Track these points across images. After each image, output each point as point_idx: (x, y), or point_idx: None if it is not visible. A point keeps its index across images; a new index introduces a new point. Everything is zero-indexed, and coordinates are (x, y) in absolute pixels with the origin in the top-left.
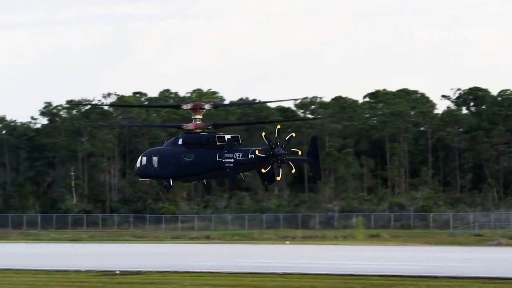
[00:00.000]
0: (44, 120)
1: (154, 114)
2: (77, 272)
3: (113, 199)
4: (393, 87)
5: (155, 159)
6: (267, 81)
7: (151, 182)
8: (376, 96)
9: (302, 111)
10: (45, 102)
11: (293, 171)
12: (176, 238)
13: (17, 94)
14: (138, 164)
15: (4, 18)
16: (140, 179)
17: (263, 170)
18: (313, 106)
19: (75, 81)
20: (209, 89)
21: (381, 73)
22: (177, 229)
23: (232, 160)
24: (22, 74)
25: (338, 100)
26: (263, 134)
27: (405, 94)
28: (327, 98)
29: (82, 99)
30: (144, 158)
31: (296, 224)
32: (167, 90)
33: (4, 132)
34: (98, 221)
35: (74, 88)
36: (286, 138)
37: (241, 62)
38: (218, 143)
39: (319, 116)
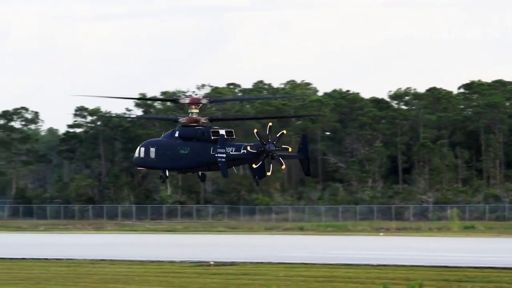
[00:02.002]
0: (139, 111)
1: (248, 106)
2: (172, 263)
3: (207, 190)
4: (488, 78)
5: (152, 150)
6: (361, 72)
7: (246, 173)
8: (471, 87)
9: (396, 102)
10: (140, 93)
11: (283, 167)
12: (269, 229)
13: (111, 85)
14: (136, 154)
15: (101, 9)
16: (138, 168)
17: (254, 166)
18: (407, 97)
19: (170, 72)
20: (303, 80)
21: (476, 64)
22: (270, 220)
23: (224, 155)
24: (117, 65)
25: (432, 91)
26: (255, 130)
27: (500, 85)
28: (422, 89)
29: (176, 90)
30: (142, 149)
31: (390, 215)
32: (261, 82)
33: (99, 123)
34: (193, 212)
35: (169, 79)
36: (277, 135)
37: (335, 53)
38: (212, 137)
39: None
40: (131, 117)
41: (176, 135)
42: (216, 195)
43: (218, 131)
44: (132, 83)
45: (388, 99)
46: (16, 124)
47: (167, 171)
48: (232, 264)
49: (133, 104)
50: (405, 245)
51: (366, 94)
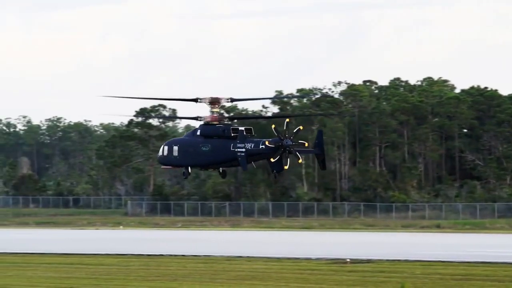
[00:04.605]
0: (275, 109)
1: (384, 103)
2: (308, 260)
3: (344, 188)
4: None
5: (175, 148)
6: (500, 69)
7: (382, 171)
8: None
9: None
10: (276, 91)
11: (300, 161)
12: (406, 227)
13: (250, 82)
14: (160, 153)
15: (236, 7)
16: (162, 167)
17: (272, 160)
18: None
19: (307, 70)
20: (440, 77)
21: None
22: (407, 218)
23: (243, 150)
24: (254, 63)
25: None
26: (273, 126)
27: None
28: None
29: (313, 88)
30: (166, 147)
31: None
32: (397, 79)
33: (235, 120)
34: (329, 209)
35: (306, 77)
36: (294, 131)
37: (473, 49)
38: (232, 134)
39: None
40: (159, 117)
41: (198, 133)
42: (352, 192)
43: (238, 128)
44: (269, 81)
45: None
46: (154, 121)
47: (189, 168)
48: (368, 261)
49: (269, 101)
50: None
51: (504, 91)
